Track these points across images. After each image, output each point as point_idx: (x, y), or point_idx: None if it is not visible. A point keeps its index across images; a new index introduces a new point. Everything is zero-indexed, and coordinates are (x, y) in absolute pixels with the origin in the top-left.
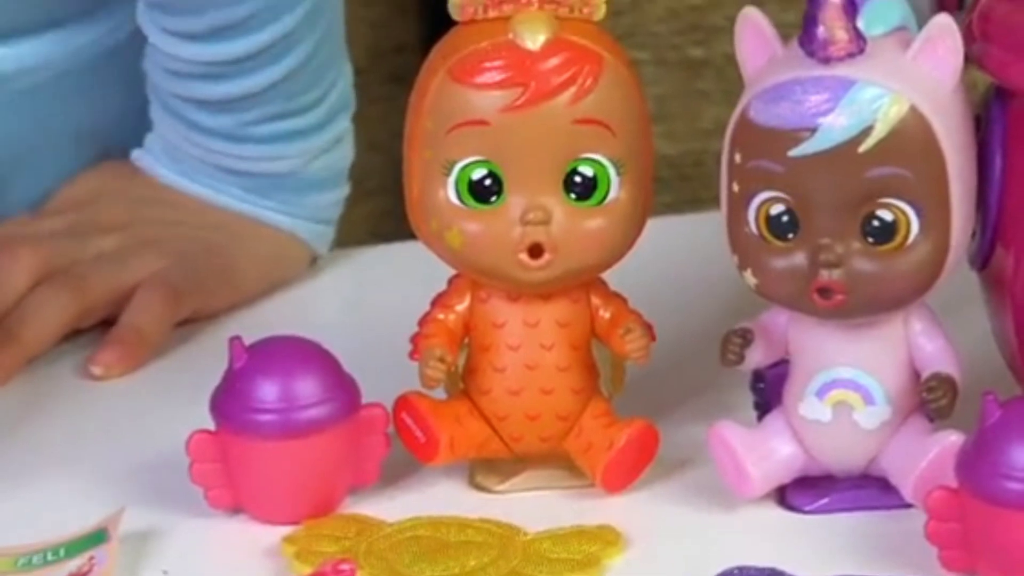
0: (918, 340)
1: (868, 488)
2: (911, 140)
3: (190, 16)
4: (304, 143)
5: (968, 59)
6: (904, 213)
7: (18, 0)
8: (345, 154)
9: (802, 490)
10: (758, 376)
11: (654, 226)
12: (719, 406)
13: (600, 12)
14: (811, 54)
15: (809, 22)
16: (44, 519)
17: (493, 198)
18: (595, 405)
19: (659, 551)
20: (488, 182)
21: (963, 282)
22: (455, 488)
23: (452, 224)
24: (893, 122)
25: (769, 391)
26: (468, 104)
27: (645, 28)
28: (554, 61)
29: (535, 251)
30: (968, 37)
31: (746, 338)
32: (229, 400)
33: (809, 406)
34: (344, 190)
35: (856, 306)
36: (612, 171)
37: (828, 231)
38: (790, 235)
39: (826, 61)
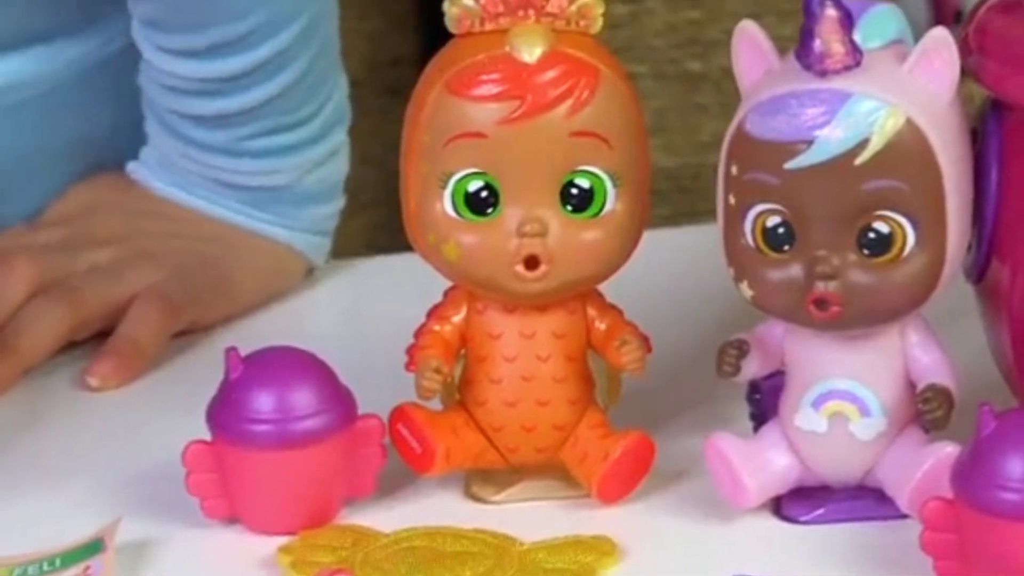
0: (914, 352)
1: (864, 499)
2: (907, 153)
3: (188, 34)
4: (299, 157)
5: (964, 72)
6: (900, 225)
7: (4, 16)
8: (341, 166)
9: (798, 501)
10: (754, 387)
11: (650, 238)
12: (715, 417)
13: (597, 25)
14: (808, 67)
15: (806, 35)
16: (40, 529)
17: (489, 210)
18: (591, 416)
19: (655, 562)
20: (484, 194)
21: (959, 294)
22: (451, 499)
23: (449, 236)
24: (889, 135)
25: (765, 402)
26: (465, 117)
27: (643, 42)
28: (551, 74)
29: (531, 263)
30: (964, 50)
31: (742, 349)
32: (225, 411)
33: (805, 417)
34: (340, 202)
35: (852, 318)
36: (608, 183)
37: (824, 243)
38: (786, 247)
39: (822, 74)
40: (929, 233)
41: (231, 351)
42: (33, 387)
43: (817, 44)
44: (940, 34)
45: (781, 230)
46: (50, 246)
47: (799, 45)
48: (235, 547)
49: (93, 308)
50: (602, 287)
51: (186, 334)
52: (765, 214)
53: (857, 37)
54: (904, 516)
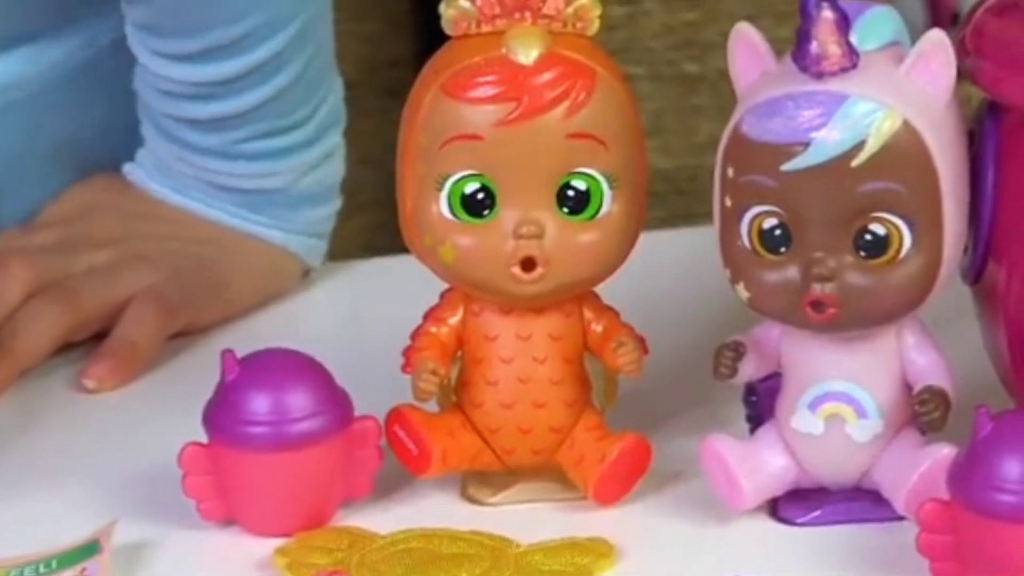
0: (910, 353)
1: (860, 500)
2: (904, 155)
3: (182, 38)
4: (294, 159)
5: (961, 74)
6: (897, 227)
7: None
8: (336, 169)
9: (794, 502)
10: (751, 389)
11: (647, 240)
12: (712, 419)
13: (593, 27)
14: (804, 69)
15: (802, 37)
16: (36, 531)
17: (486, 212)
18: (587, 418)
19: (651, 563)
20: (481, 196)
21: (955, 296)
22: (447, 500)
23: (445, 238)
24: (886, 137)
25: (761, 404)
26: (461, 119)
27: (640, 43)
28: (547, 76)
29: (528, 265)
30: (961, 52)
31: (739, 351)
32: (221, 413)
33: (801, 419)
34: (336, 204)
35: (848, 320)
36: (605, 185)
37: (821, 245)
38: (782, 249)
39: (819, 76)
40: (925, 235)
41: (227, 353)
42: (29, 388)
43: (814, 46)
44: (937, 36)
45: (777, 232)
46: (47, 247)
47: (795, 47)
48: (231, 549)
49: (90, 310)
50: (598, 289)
51: (182, 336)
52: (761, 216)
53: (854, 39)
54: (901, 518)
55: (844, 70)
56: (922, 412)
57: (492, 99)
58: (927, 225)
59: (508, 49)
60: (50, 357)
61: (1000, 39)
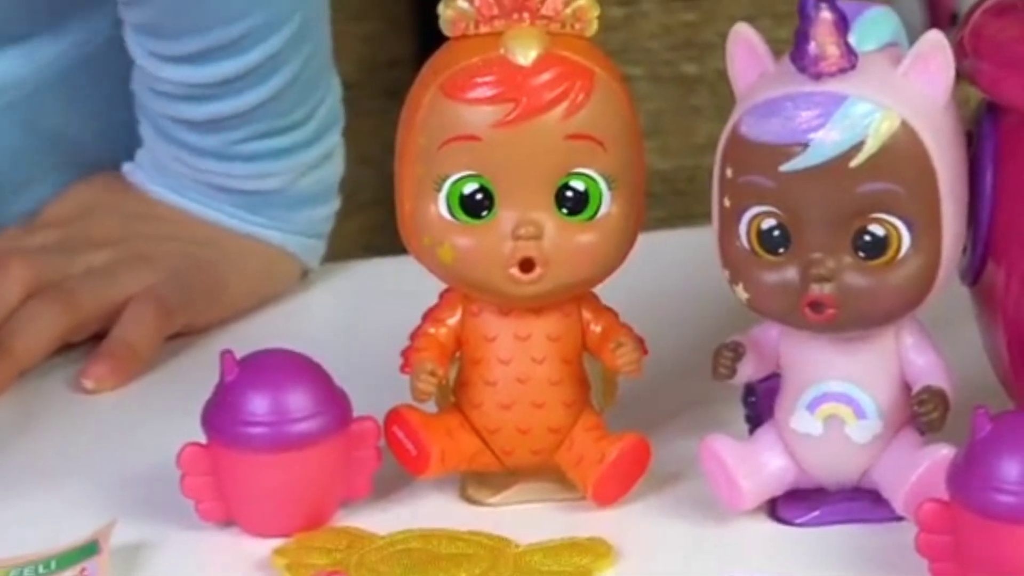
0: (909, 354)
1: (859, 501)
2: (902, 155)
3: (179, 39)
4: (293, 160)
5: (960, 75)
6: (895, 228)
7: None
8: (335, 169)
9: (793, 503)
10: (749, 390)
11: (646, 240)
12: (711, 419)
13: (592, 28)
14: (802, 70)
15: (800, 38)
16: (35, 531)
17: (484, 213)
18: (586, 418)
19: (650, 564)
20: (479, 197)
21: (954, 297)
22: (446, 501)
23: (444, 239)
24: (884, 137)
25: (760, 405)
26: (460, 119)
27: (638, 44)
28: (546, 76)
29: (526, 266)
30: (960, 53)
31: (737, 352)
32: (220, 413)
33: (800, 419)
34: (335, 205)
35: (847, 320)
36: (603, 186)
37: (819, 246)
38: (781, 250)
39: (817, 77)
40: (924, 236)
41: (226, 354)
42: (28, 389)
43: (812, 47)
44: (935, 37)
45: (776, 233)
46: (46, 248)
47: (794, 48)
48: (230, 549)
49: (88, 310)
50: (597, 289)
51: (181, 336)
52: (760, 216)
53: (852, 40)
54: (900, 518)
55: (843, 71)
56: (921, 412)
57: (491, 100)
58: (926, 226)
59: (506, 50)
60: (49, 358)
61: (998, 40)
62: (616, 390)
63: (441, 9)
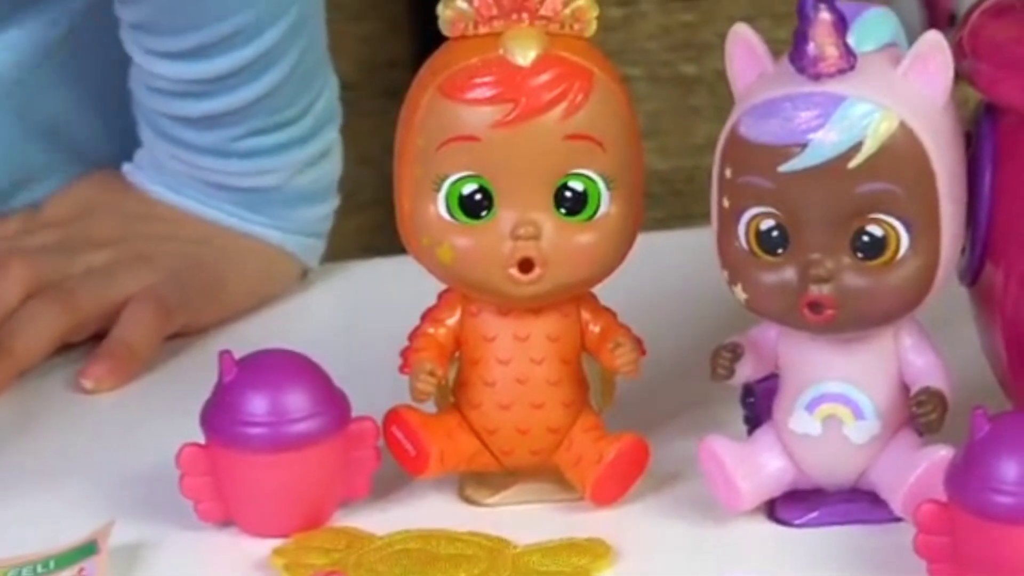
0: (908, 355)
1: (858, 502)
2: (901, 156)
3: (174, 36)
4: (289, 156)
5: (958, 75)
6: (894, 229)
7: None
8: (333, 167)
9: (792, 504)
10: (748, 390)
11: (644, 241)
12: (709, 420)
13: (591, 28)
14: (801, 70)
15: (799, 39)
16: (34, 531)
17: (483, 213)
18: (585, 419)
19: (649, 564)
20: (478, 197)
21: (953, 297)
22: (445, 501)
23: (443, 239)
24: (883, 138)
25: (759, 405)
26: (458, 120)
27: (637, 45)
28: (545, 77)
29: (525, 266)
30: (958, 54)
31: (736, 352)
32: (219, 413)
33: (799, 420)
34: (334, 203)
35: (846, 321)
36: (602, 186)
37: (818, 246)
38: (780, 250)
39: (816, 77)
40: (923, 236)
41: (225, 354)
42: (28, 389)
43: (811, 47)
44: (934, 38)
45: (775, 233)
46: (46, 248)
47: (793, 48)
48: (229, 550)
49: (88, 310)
50: (596, 290)
51: (180, 336)
52: (759, 217)
53: (851, 40)
54: (898, 519)
55: (841, 71)
56: (919, 413)
57: (489, 100)
58: (924, 226)
59: (505, 50)
60: (48, 358)
61: (997, 41)
62: (615, 390)
63: (440, 9)
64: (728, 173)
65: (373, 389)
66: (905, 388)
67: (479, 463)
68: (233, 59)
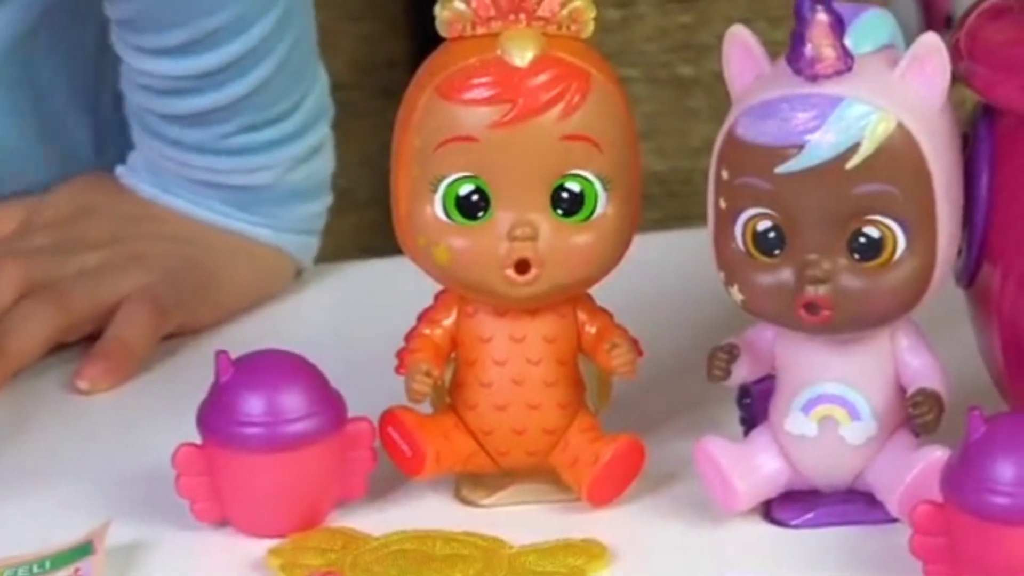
0: (904, 356)
1: (854, 503)
2: (898, 157)
3: (160, 32)
4: (280, 153)
5: (955, 77)
6: (891, 230)
7: None
8: (326, 164)
9: (788, 504)
10: (744, 391)
11: (641, 242)
12: (705, 421)
13: (588, 29)
14: (799, 72)
15: (796, 40)
16: (30, 531)
17: (480, 214)
18: (581, 420)
19: (645, 565)
20: (475, 198)
21: (949, 299)
22: (441, 502)
23: (439, 240)
24: (880, 139)
25: (755, 406)
26: (456, 120)
27: (635, 46)
28: (542, 78)
29: (522, 267)
30: (956, 55)
31: (732, 354)
32: (215, 414)
33: (795, 421)
34: (327, 200)
35: (842, 322)
36: (599, 187)
37: (815, 247)
38: (776, 251)
39: (813, 79)
40: (920, 237)
41: (221, 354)
42: (22, 389)
43: (808, 49)
44: (931, 39)
45: (772, 234)
46: (40, 249)
47: (790, 50)
48: (225, 550)
49: (82, 311)
50: (592, 291)
51: (176, 337)
52: (756, 218)
53: (848, 42)
54: (894, 520)
55: (839, 73)
56: (915, 414)
57: (487, 101)
58: (921, 228)
59: (503, 51)
60: (43, 358)
61: (994, 43)
62: (611, 391)
63: (438, 10)
64: (725, 174)
65: (369, 390)
66: (901, 389)
67: (475, 464)
68: (220, 55)
